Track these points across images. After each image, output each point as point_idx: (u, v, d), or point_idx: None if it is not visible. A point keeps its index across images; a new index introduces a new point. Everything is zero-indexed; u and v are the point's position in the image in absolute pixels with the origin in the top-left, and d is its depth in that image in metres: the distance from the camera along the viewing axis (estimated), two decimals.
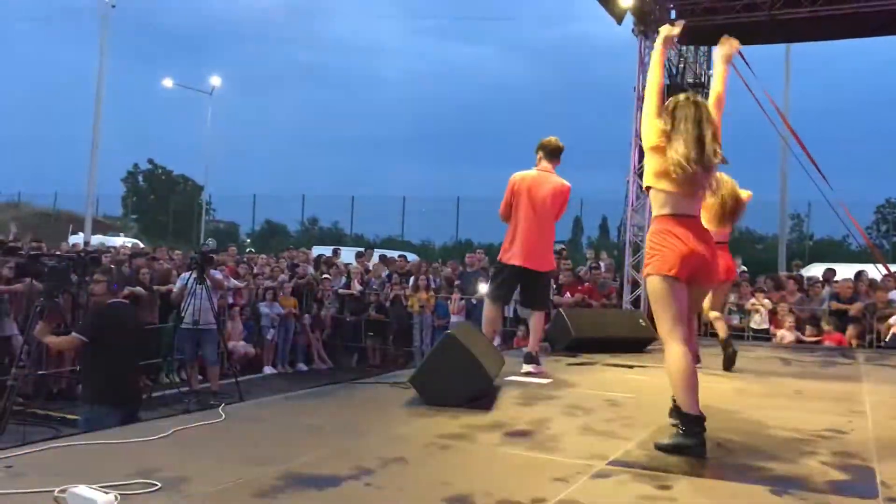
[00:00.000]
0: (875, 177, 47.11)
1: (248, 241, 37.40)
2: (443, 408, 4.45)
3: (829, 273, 13.39)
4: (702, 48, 13.69)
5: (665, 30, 4.19)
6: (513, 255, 6.15)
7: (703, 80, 13.86)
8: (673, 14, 12.01)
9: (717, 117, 3.91)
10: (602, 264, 15.35)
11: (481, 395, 4.71)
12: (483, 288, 12.57)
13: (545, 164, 6.28)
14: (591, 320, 8.44)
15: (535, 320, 6.42)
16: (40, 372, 8.36)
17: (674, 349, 3.62)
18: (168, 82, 35.56)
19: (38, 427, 7.37)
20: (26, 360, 7.46)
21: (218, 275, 10.14)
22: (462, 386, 4.60)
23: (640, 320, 8.35)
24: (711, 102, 4.03)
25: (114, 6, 22.05)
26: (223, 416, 4.08)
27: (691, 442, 3.55)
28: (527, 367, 6.06)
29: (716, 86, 4.20)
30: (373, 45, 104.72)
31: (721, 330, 6.72)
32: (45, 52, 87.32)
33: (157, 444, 3.46)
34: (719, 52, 4.28)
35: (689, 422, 3.56)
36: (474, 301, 12.34)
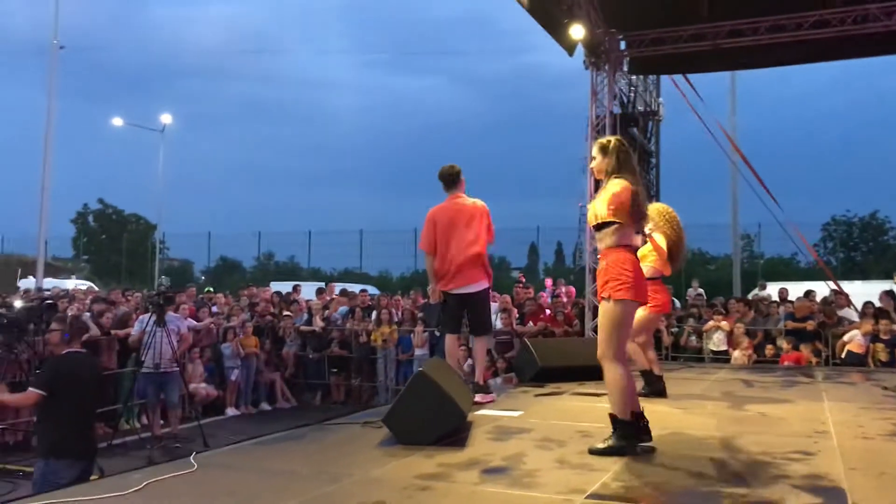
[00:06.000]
0: (820, 195, 48.47)
1: (203, 278, 36.94)
2: (417, 446, 4.45)
3: (784, 292, 13.71)
4: (650, 77, 14.01)
5: None
6: (445, 283, 6.41)
7: (653, 107, 14.16)
8: (623, 45, 12.30)
9: None
10: (563, 290, 15.51)
11: (455, 432, 4.71)
12: None
13: (451, 191, 6.53)
14: (556, 349, 8.48)
15: (477, 347, 6.61)
16: None
17: (621, 369, 4.29)
18: (118, 121, 35.16)
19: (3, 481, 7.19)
20: None
21: (175, 322, 9.93)
22: (435, 423, 4.60)
23: None
24: None
25: (62, 47, 21.75)
26: (195, 465, 4.02)
27: (626, 443, 4.24)
28: (475, 398, 6.13)
29: None
30: (323, 79, 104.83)
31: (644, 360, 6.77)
32: None
33: (131, 499, 3.39)
34: None
35: (627, 426, 4.28)
36: (438, 333, 12.33)
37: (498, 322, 12.18)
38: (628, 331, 4.43)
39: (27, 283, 23.64)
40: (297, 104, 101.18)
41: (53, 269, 32.29)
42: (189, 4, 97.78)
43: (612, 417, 4.34)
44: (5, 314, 6.53)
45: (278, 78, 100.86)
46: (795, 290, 13.72)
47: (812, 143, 67.32)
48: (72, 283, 24.26)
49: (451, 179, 6.53)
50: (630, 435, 4.29)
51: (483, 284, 6.52)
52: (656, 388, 6.58)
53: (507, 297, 12.88)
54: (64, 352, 5.92)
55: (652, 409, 4.76)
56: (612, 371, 4.30)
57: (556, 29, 11.17)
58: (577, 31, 11.12)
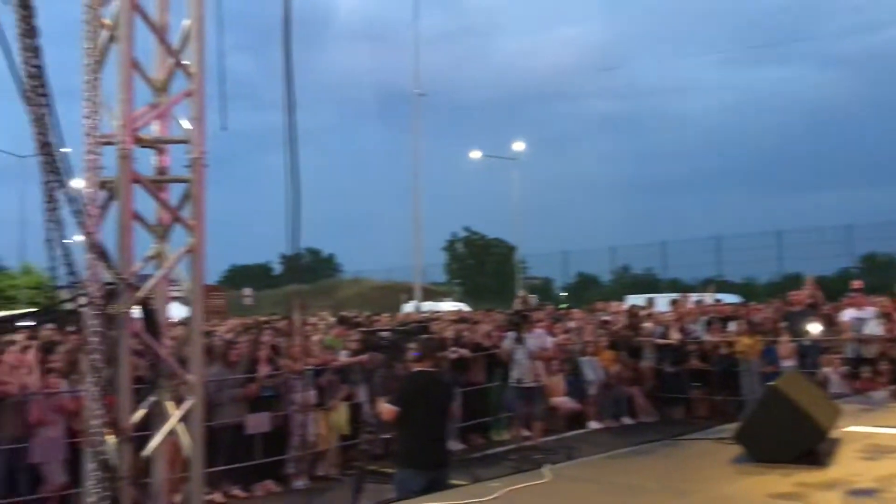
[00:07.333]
0: None
1: (566, 294, 38.33)
2: (773, 464, 4.21)
3: None
4: None
5: None
6: None
7: None
8: None
9: None
10: None
11: (814, 450, 4.38)
12: (814, 328, 11.62)
13: None
14: None
15: None
16: (385, 436, 9.17)
17: None
18: (476, 154, 37.92)
19: (389, 485, 8.17)
20: (374, 425, 8.31)
21: (538, 339, 10.48)
22: (791, 441, 4.31)
23: None
24: None
25: (423, 94, 24.21)
26: (549, 476, 4.23)
27: None
28: None
29: None
30: (674, 85, 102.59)
31: None
32: (369, 138, 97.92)
33: None
34: None
35: None
36: (805, 343, 11.45)
37: (878, 328, 10.97)
38: None
39: (409, 306, 26.48)
40: (648, 113, 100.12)
41: (431, 294, 35.72)
42: (532, 34, 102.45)
43: None
44: (385, 336, 7.39)
45: (626, 89, 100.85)
46: None
47: None
48: (446, 306, 26.62)
49: None
50: None
51: None
52: None
53: (888, 301, 11.54)
54: (415, 370, 6.32)
55: None
56: None
57: None
58: None
